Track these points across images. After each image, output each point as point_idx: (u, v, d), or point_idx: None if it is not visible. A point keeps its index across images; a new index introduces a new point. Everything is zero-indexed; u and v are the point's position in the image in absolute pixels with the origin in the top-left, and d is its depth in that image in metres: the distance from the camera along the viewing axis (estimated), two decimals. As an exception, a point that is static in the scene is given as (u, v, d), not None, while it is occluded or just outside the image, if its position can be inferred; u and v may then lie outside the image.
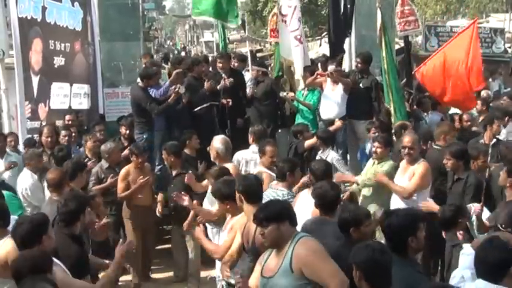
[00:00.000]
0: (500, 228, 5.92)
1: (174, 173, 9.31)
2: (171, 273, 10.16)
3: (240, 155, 9.52)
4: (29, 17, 12.14)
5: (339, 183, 7.88)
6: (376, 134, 9.72)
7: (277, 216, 5.03)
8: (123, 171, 9.47)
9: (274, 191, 7.58)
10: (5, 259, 5.65)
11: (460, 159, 7.78)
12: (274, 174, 8.25)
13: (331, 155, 9.35)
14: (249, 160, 9.40)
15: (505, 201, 6.95)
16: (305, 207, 6.97)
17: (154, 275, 10.17)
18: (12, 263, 5.06)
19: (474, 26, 13.11)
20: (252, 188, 6.10)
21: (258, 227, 5.19)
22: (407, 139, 8.48)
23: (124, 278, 9.57)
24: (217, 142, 8.83)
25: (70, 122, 11.62)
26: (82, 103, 13.43)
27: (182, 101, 10.83)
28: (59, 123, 11.93)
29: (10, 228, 6.05)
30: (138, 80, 11.27)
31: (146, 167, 9.73)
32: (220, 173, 7.48)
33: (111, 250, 7.51)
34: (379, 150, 8.80)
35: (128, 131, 10.81)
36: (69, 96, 13.14)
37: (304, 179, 7.94)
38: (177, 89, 10.44)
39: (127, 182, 9.41)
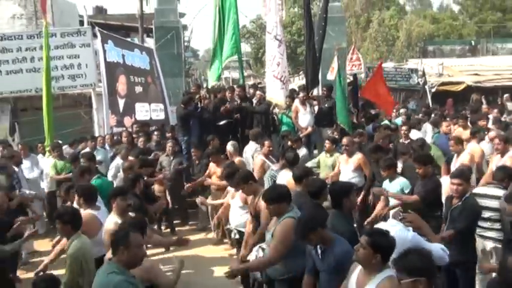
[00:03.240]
0: None
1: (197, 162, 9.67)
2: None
3: (247, 148, 9.63)
4: (115, 61, 12.42)
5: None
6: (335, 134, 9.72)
7: (278, 197, 4.88)
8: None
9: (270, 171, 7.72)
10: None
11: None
12: (267, 161, 8.41)
13: (302, 151, 9.19)
14: (249, 150, 9.50)
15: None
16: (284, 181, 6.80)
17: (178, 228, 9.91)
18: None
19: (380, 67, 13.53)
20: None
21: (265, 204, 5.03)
22: (344, 140, 8.38)
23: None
24: (229, 145, 9.12)
25: (138, 129, 11.47)
26: (159, 116, 13.68)
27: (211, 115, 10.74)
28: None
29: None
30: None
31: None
32: (229, 168, 7.17)
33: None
34: (327, 146, 8.80)
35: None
36: (149, 111, 13.32)
37: None
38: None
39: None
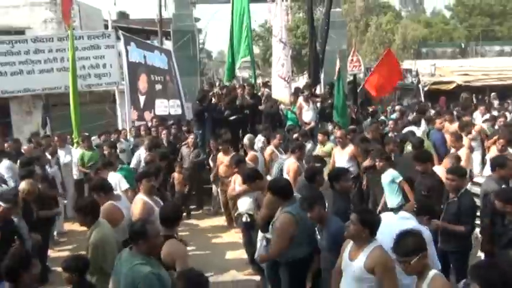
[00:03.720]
0: None
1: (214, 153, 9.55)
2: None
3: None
4: (136, 61, 12.47)
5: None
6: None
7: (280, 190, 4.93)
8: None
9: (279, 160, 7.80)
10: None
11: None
12: (276, 151, 8.55)
13: (309, 144, 9.17)
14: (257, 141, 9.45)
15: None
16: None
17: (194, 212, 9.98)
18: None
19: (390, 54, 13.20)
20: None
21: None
22: (338, 134, 8.40)
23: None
24: (245, 139, 8.98)
25: (157, 123, 11.51)
26: (176, 111, 13.71)
27: (223, 111, 10.77)
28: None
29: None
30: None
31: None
32: (237, 156, 7.31)
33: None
34: (320, 138, 8.83)
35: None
36: (168, 107, 13.39)
37: None
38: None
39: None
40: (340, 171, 5.49)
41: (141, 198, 5.52)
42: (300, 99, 11.08)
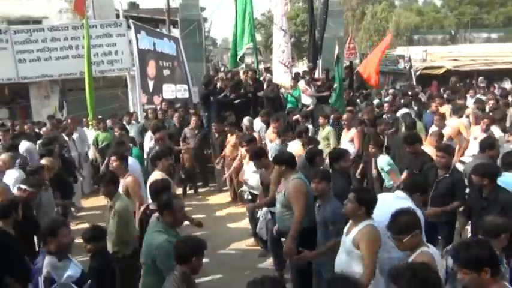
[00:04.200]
0: None
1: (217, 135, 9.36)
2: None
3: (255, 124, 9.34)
4: (146, 48, 12.28)
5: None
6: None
7: (285, 160, 4.91)
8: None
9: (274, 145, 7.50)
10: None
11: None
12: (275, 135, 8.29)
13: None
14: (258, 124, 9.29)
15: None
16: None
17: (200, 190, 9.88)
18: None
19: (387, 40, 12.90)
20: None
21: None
22: (344, 117, 8.29)
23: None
24: (245, 120, 8.83)
25: (166, 107, 11.34)
26: (184, 95, 13.57)
27: (228, 95, 10.61)
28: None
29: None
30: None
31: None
32: (246, 136, 7.28)
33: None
34: (321, 121, 8.67)
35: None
36: (175, 91, 13.25)
37: None
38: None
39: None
40: (340, 152, 5.36)
41: (159, 174, 5.52)
42: (302, 82, 10.91)
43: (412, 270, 2.44)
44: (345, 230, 3.82)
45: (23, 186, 5.08)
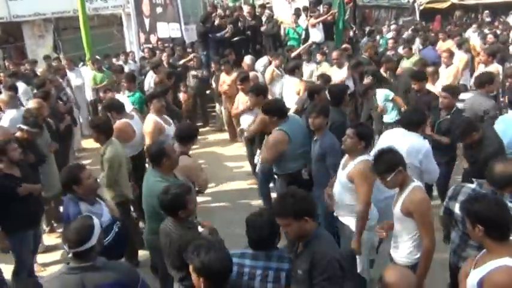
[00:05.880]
0: None
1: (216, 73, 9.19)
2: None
3: (259, 61, 9.22)
4: (139, -14, 11.70)
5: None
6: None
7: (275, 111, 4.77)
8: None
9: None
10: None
11: None
12: (278, 71, 8.26)
13: (310, 66, 8.88)
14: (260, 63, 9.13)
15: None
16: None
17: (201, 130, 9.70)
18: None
19: None
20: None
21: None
22: (334, 54, 8.01)
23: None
24: (247, 59, 8.59)
25: (162, 46, 11.05)
26: (176, 34, 13.01)
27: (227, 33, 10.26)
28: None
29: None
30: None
31: None
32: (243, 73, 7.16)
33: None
34: (319, 57, 8.75)
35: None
36: (168, 29, 12.76)
37: None
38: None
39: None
40: (343, 89, 5.42)
41: (152, 117, 5.52)
42: (311, 20, 10.50)
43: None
44: (341, 163, 3.89)
45: (24, 127, 5.08)
